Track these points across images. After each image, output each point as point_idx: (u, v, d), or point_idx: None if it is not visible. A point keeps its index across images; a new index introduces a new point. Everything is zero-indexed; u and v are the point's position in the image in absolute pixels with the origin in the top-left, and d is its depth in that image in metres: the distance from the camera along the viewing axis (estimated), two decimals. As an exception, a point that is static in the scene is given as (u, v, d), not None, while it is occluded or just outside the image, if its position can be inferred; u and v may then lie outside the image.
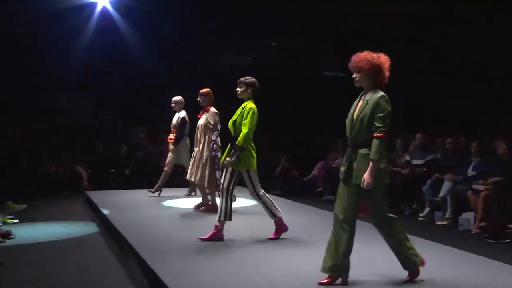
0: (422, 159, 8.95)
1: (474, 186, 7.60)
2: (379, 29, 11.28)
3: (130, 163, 12.29)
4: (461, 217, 7.59)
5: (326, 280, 4.23)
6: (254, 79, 5.99)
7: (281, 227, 6.02)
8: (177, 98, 8.62)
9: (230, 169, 5.80)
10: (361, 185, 4.04)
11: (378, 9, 10.50)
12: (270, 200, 5.95)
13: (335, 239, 4.23)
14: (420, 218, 8.26)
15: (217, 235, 5.84)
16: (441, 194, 7.95)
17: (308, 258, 4.93)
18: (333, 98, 13.84)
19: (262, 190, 5.95)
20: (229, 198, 5.81)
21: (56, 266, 5.54)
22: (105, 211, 7.78)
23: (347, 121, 4.29)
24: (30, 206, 8.84)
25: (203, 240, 5.81)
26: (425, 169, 8.71)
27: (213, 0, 11.11)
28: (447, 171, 8.16)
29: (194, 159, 7.59)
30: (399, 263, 4.31)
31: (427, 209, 8.23)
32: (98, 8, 11.33)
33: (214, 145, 7.28)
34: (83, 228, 7.59)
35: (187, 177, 7.80)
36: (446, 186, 7.95)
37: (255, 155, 5.89)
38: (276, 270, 4.67)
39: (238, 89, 5.97)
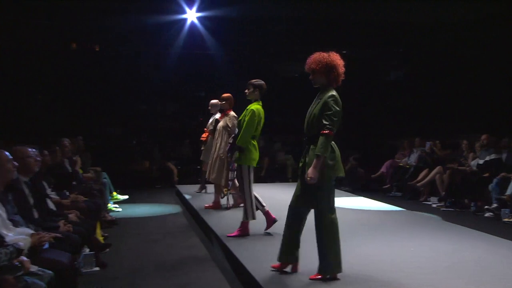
0: (487, 159, 8.61)
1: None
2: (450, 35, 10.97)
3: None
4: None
5: (277, 265, 4.26)
6: (262, 82, 5.84)
7: (240, 226, 5.75)
8: (213, 101, 8.44)
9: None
10: (305, 179, 3.91)
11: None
12: (251, 203, 5.69)
13: (286, 227, 4.23)
14: (486, 215, 7.96)
15: (244, 232, 5.70)
16: (508, 192, 7.60)
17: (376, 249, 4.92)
18: (399, 101, 13.61)
19: (253, 189, 5.72)
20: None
21: (152, 249, 5.88)
22: (193, 203, 8.08)
23: (306, 118, 4.18)
24: (130, 197, 9.41)
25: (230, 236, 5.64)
26: (487, 168, 8.38)
27: (285, 14, 11.27)
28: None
29: (212, 159, 7.47)
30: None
31: (494, 205, 7.90)
32: (188, 23, 11.75)
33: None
34: (174, 217, 7.96)
35: (206, 175, 7.71)
36: (513, 184, 7.61)
37: (256, 153, 5.72)
38: (351, 259, 4.70)
39: (246, 90, 5.85)
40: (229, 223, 6.21)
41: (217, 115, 8.02)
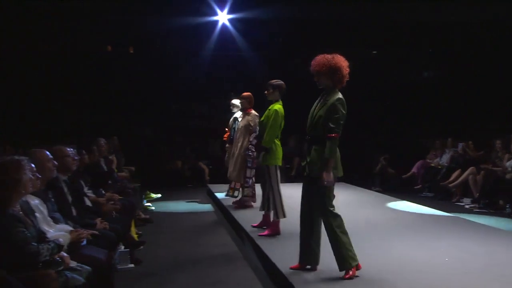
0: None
1: None
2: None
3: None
4: None
5: (296, 266, 4.33)
6: (281, 82, 5.87)
7: (268, 224, 5.78)
8: (234, 100, 8.44)
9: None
10: (322, 183, 3.97)
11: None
12: (281, 201, 5.72)
13: (300, 230, 4.33)
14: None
15: (275, 231, 5.71)
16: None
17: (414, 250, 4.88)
18: (430, 101, 13.38)
19: (279, 189, 5.75)
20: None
21: (184, 247, 5.97)
22: (225, 202, 8.11)
23: (308, 118, 4.20)
24: (163, 195, 9.56)
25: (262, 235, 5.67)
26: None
27: (317, 14, 11.24)
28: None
29: (233, 158, 7.48)
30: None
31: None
32: (219, 24, 11.84)
33: (250, 146, 7.17)
34: (206, 216, 8.05)
35: (227, 174, 7.74)
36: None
37: (278, 153, 5.75)
38: (384, 260, 4.69)
39: (266, 91, 5.87)
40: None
41: (238, 114, 8.04)
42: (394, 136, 13.21)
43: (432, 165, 10.55)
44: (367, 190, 9.90)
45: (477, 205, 8.63)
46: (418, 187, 10.60)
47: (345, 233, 4.11)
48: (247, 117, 7.34)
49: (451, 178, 9.47)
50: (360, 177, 10.99)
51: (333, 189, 4.16)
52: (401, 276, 4.17)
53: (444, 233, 5.89)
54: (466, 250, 5.02)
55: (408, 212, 7.48)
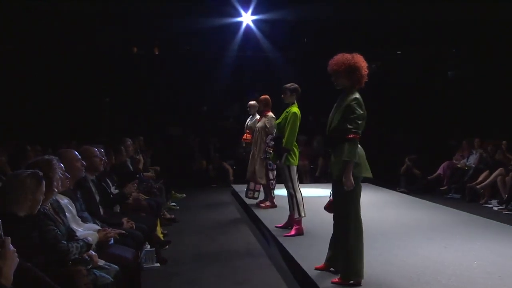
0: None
1: None
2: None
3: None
4: None
5: (321, 266, 4.25)
6: (297, 85, 5.98)
7: (293, 224, 5.76)
8: (251, 102, 8.45)
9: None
10: (345, 187, 3.82)
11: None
12: (302, 200, 5.76)
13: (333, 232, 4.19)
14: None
15: (299, 231, 5.71)
16: None
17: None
18: (459, 100, 13.14)
19: (299, 188, 5.82)
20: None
21: (209, 246, 5.98)
22: (249, 202, 8.10)
23: (328, 120, 4.08)
24: (188, 195, 9.61)
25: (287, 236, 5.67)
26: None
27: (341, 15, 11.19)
28: None
29: (252, 159, 7.57)
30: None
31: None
32: (243, 25, 11.87)
33: (267, 148, 7.27)
34: (230, 216, 8.06)
35: (247, 176, 7.79)
36: None
37: (297, 153, 5.85)
38: (412, 261, 4.61)
39: (283, 95, 5.99)
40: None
41: (257, 116, 8.13)
42: (421, 136, 13.03)
43: (459, 166, 10.34)
44: (391, 191, 9.77)
45: (505, 207, 8.42)
46: (444, 188, 10.40)
47: (361, 241, 3.95)
48: (264, 119, 7.49)
49: (479, 179, 9.26)
50: (386, 178, 10.85)
51: (359, 191, 4.00)
52: (434, 279, 4.08)
53: (474, 235, 5.76)
54: (499, 253, 4.89)
55: (434, 213, 7.33)
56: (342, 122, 3.89)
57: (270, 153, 7.01)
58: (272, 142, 7.03)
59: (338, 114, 3.95)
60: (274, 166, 7.29)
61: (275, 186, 7.62)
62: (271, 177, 7.42)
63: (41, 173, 2.97)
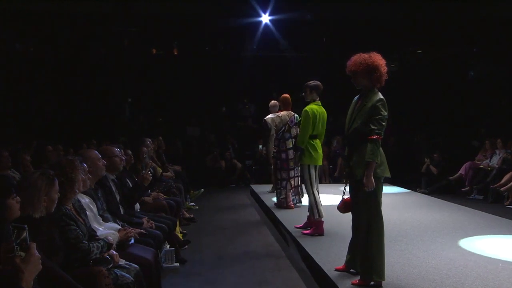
0: None
1: None
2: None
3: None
4: None
5: (341, 267, 4.23)
6: (318, 82, 5.85)
7: (313, 225, 5.69)
8: (272, 102, 8.53)
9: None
10: (365, 188, 3.77)
11: None
12: (319, 201, 5.67)
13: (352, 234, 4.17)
14: None
15: (317, 231, 5.65)
16: None
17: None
18: (480, 100, 12.92)
19: (316, 188, 5.71)
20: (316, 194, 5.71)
21: (228, 246, 5.96)
22: (267, 202, 8.09)
23: (346, 119, 4.02)
24: (206, 195, 9.61)
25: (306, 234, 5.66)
26: None
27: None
28: None
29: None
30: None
31: None
32: (262, 25, 11.87)
33: (275, 148, 7.29)
34: (249, 216, 8.03)
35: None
36: None
37: (315, 152, 5.71)
38: (436, 263, 4.52)
39: (303, 93, 5.90)
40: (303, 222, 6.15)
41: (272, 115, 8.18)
42: (443, 136, 12.86)
43: (481, 166, 10.14)
44: (411, 192, 9.62)
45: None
46: (466, 189, 10.22)
47: (383, 242, 3.90)
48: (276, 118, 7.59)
49: (503, 181, 9.07)
50: (407, 178, 10.71)
51: (381, 191, 3.96)
52: (458, 281, 4.00)
53: (499, 237, 5.64)
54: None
55: (456, 214, 7.20)
56: (366, 123, 3.85)
57: (275, 152, 7.18)
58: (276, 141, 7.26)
59: (361, 115, 3.90)
60: (284, 166, 7.25)
61: (286, 186, 7.39)
62: (279, 176, 7.37)
63: (52, 172, 2.93)
